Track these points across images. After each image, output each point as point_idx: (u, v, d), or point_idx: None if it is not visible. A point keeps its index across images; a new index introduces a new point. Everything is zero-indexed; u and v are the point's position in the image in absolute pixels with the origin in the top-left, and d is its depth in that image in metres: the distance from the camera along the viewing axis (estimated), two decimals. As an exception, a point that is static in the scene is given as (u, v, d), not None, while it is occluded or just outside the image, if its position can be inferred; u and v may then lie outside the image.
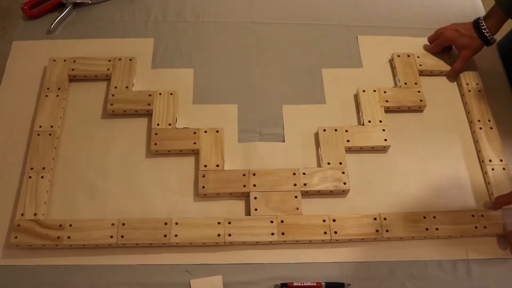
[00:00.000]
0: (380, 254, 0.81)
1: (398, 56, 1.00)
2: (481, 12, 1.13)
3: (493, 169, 0.87)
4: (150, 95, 0.93)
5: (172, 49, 1.02)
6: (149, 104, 0.92)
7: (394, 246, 0.82)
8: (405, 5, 1.12)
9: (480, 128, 0.92)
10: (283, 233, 0.80)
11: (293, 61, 1.02)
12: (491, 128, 0.92)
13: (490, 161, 0.88)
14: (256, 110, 0.95)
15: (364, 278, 0.78)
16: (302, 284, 0.77)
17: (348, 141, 0.89)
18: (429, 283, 0.79)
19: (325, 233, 0.80)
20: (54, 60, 0.95)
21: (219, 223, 0.80)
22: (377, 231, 0.81)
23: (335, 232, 0.80)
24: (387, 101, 0.94)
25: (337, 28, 1.07)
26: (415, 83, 0.96)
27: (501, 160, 0.88)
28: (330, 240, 0.81)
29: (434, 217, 0.82)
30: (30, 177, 0.83)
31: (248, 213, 0.83)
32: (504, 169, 0.87)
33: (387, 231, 0.81)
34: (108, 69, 0.95)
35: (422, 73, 0.99)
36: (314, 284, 0.77)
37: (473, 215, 0.83)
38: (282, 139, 0.91)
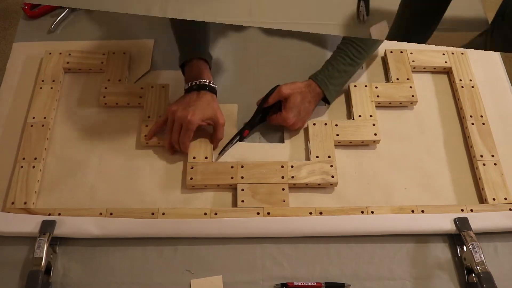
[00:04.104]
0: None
1: (391, 52, 1.00)
2: (481, 12, 1.12)
3: (484, 165, 0.86)
4: (142, 88, 0.94)
5: (172, 50, 1.01)
6: (140, 97, 0.93)
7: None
8: (405, 5, 1.12)
9: (472, 124, 0.91)
10: (269, 225, 0.80)
11: (293, 61, 1.01)
12: (483, 123, 0.91)
13: (482, 156, 0.87)
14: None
15: (364, 278, 0.77)
16: (302, 284, 0.76)
17: (337, 135, 0.89)
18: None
19: (311, 225, 0.80)
20: (50, 53, 0.97)
21: (205, 214, 0.81)
22: (364, 224, 0.80)
23: (321, 224, 0.80)
24: (378, 96, 0.94)
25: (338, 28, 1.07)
26: (407, 79, 0.96)
27: (492, 156, 0.87)
28: (316, 232, 0.80)
29: (423, 211, 0.82)
30: (21, 166, 0.85)
31: (235, 204, 0.83)
32: (495, 164, 0.86)
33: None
34: (102, 62, 0.97)
35: (415, 69, 0.98)
36: (314, 284, 0.76)
37: (462, 210, 0.82)
38: (282, 140, 0.91)
